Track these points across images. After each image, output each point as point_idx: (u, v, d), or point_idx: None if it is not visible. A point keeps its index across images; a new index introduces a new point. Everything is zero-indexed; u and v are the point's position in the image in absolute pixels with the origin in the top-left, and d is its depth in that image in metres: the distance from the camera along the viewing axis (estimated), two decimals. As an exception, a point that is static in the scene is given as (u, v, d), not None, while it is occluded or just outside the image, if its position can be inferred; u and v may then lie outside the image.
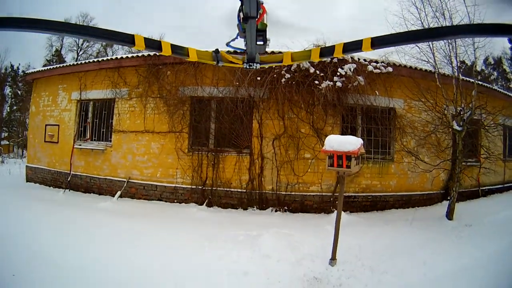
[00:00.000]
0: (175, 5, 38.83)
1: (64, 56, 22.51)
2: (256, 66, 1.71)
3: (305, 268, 3.58)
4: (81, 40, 22.42)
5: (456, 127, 5.29)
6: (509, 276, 3.24)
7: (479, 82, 6.02)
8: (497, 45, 26.58)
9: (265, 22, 1.42)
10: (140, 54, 6.42)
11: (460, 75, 5.50)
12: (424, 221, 5.49)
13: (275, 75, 5.72)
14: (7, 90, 23.45)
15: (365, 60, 5.84)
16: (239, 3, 1.30)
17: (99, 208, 5.80)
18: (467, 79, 6.11)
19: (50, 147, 8.07)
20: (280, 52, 2.67)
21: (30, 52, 27.37)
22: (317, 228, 4.77)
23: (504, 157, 8.65)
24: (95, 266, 3.33)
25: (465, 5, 5.32)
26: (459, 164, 5.55)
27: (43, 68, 8.95)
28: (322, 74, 5.49)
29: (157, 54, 5.57)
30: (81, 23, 22.27)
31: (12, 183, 8.89)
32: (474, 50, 5.58)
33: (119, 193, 6.44)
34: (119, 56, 6.68)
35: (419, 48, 5.72)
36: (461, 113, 5.41)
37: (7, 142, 22.85)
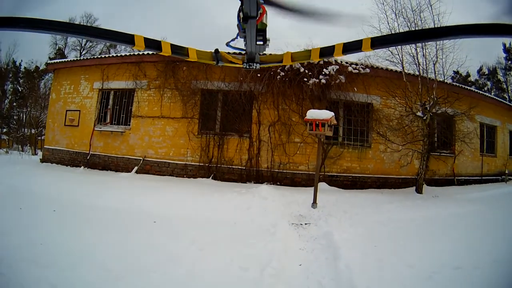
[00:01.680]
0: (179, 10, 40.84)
1: (66, 55, 24.05)
2: (256, 66, 1.81)
3: (293, 208, 5.03)
4: (84, 40, 24.02)
5: (419, 114, 6.84)
6: (465, 229, 4.27)
7: (442, 80, 7.53)
8: (492, 54, 28.38)
9: (265, 22, 1.47)
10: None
11: (422, 73, 7.04)
12: (395, 193, 6.93)
13: (271, 73, 7.26)
14: (9, 86, 24.74)
15: (346, 62, 7.41)
16: (239, 3, 1.36)
17: (120, 176, 7.20)
18: (429, 77, 7.62)
19: (70, 130, 9.42)
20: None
21: (33, 48, 28.85)
22: (303, 192, 6.21)
23: (481, 151, 10.04)
24: (129, 206, 4.69)
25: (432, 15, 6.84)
26: (424, 146, 7.06)
27: (65, 59, 10.43)
28: (310, 73, 7.06)
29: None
30: (83, 24, 23.84)
31: (30, 162, 10.22)
32: (438, 51, 7.05)
33: (136, 168, 7.83)
34: (140, 53, 8.17)
35: (390, 52, 7.29)
36: (425, 104, 6.95)
37: (7, 137, 23.99)
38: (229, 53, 1.87)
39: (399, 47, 7.07)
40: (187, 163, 7.63)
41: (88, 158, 8.73)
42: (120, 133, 8.36)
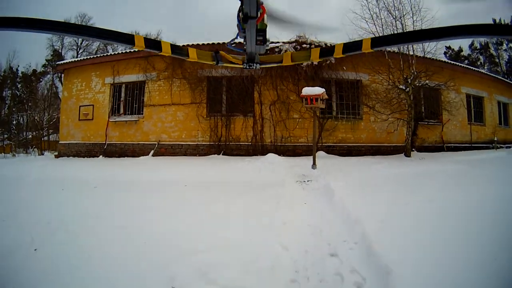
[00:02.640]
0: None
1: (63, 56, 24.81)
2: (256, 66, 1.85)
3: (296, 170, 6.11)
4: (80, 40, 24.77)
5: (401, 86, 7.90)
6: (443, 179, 5.23)
7: (422, 56, 8.56)
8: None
9: (265, 22, 1.50)
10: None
11: (402, 51, 8.08)
12: (386, 158, 8.01)
13: (270, 57, 8.26)
14: (8, 92, 25.50)
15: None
16: (239, 3, 1.41)
17: (140, 159, 8.24)
18: (410, 54, 8.59)
19: (84, 124, 10.40)
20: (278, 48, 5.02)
21: (29, 52, 29.49)
22: (304, 159, 7.29)
23: (469, 120, 11.07)
24: (159, 177, 5.72)
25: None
26: (409, 115, 8.13)
27: (75, 59, 11.35)
28: (304, 54, 8.07)
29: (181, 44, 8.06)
30: (83, 24, 24.56)
31: (45, 159, 11.18)
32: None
33: (152, 151, 8.88)
34: (148, 47, 9.12)
35: (374, 34, 8.31)
36: (407, 77, 8.00)
37: (9, 142, 24.83)
38: (228, 53, 1.96)
39: (381, 27, 8.10)
40: (198, 143, 8.69)
41: (105, 147, 9.74)
42: (134, 122, 9.37)
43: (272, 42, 8.06)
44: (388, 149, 9.02)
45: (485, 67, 27.75)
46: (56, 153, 11.63)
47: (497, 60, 28.39)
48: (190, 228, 2.74)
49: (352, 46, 1.88)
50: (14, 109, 27.26)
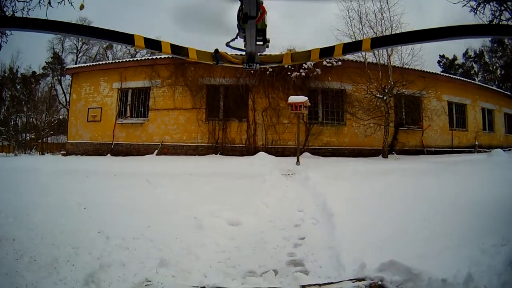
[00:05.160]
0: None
1: (63, 59, 26.30)
2: (255, 66, 1.94)
3: (282, 166, 7.56)
4: (80, 43, 26.30)
5: (378, 95, 9.38)
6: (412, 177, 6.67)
7: (397, 65, 10.02)
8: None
9: (265, 22, 1.57)
10: (170, 56, 10.40)
11: (380, 64, 9.58)
12: (365, 159, 9.44)
13: (262, 69, 9.74)
14: (7, 93, 26.88)
15: (321, 58, 9.93)
16: (239, 3, 1.46)
17: (146, 157, 9.67)
18: (391, 60, 10.01)
19: (93, 125, 11.78)
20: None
21: (30, 54, 30.91)
22: (290, 158, 8.71)
23: (451, 126, 12.40)
24: (166, 170, 7.17)
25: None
26: (386, 121, 9.58)
27: (83, 64, 12.86)
28: (292, 67, 9.58)
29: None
30: (83, 24, 26.06)
31: (52, 158, 12.56)
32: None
33: (156, 151, 10.30)
34: (154, 57, 10.61)
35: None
36: (385, 87, 9.46)
37: (9, 143, 26.11)
38: (228, 53, 2.02)
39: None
40: (197, 144, 10.13)
41: (112, 147, 11.14)
42: (139, 124, 10.81)
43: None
44: (370, 152, 10.43)
45: (479, 76, 29.10)
46: (64, 152, 13.02)
47: (491, 68, 29.57)
48: (199, 195, 4.19)
49: (352, 46, 1.98)
50: (11, 110, 28.58)
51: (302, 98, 7.51)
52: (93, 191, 4.49)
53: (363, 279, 1.86)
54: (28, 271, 2.16)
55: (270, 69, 9.70)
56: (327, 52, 1.93)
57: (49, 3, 3.48)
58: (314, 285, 1.89)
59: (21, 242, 2.58)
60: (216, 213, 3.29)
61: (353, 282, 1.85)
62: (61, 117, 26.92)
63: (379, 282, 1.79)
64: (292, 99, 7.50)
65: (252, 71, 9.75)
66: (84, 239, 2.72)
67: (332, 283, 1.89)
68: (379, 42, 2.16)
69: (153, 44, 1.81)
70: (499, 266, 1.61)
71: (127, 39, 1.76)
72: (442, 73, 14.22)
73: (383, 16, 9.77)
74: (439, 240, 2.31)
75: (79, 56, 26.39)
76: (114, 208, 3.56)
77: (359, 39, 9.69)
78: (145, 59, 10.88)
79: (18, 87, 28.41)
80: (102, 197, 4.07)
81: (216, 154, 9.85)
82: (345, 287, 1.80)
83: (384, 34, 9.43)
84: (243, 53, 1.95)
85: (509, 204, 2.90)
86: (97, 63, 12.67)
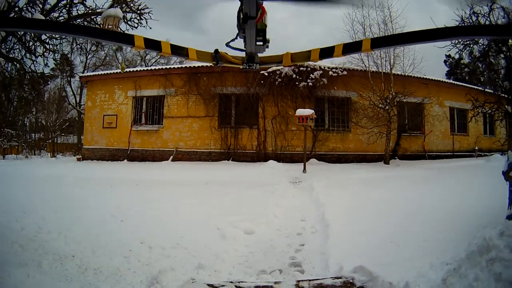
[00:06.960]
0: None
1: (72, 61, 27.11)
2: (255, 67, 2.00)
3: (290, 173, 8.35)
4: (89, 46, 27.07)
5: (380, 105, 10.10)
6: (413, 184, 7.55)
7: (399, 73, 10.72)
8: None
9: (265, 22, 1.62)
10: (183, 66, 11.16)
11: (383, 75, 10.29)
12: (368, 165, 10.20)
13: (271, 80, 10.49)
14: (15, 93, 27.72)
15: (328, 67, 10.66)
16: (239, 3, 1.50)
17: (162, 163, 10.49)
18: (392, 72, 10.69)
19: (108, 131, 12.60)
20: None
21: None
22: (298, 165, 9.49)
23: (452, 131, 13.15)
24: (185, 178, 7.98)
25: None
26: (387, 129, 10.32)
27: (98, 72, 13.65)
28: (300, 78, 10.33)
29: (196, 65, 10.35)
30: (84, 24, 26.81)
31: (68, 162, 13.38)
32: (395, 57, 10.35)
33: (171, 157, 11.12)
34: (168, 67, 11.36)
35: (362, 60, 10.51)
36: (387, 97, 10.19)
37: (17, 143, 26.99)
38: (228, 53, 2.04)
39: (366, 57, 10.29)
40: (210, 150, 10.93)
41: (128, 152, 11.96)
42: (155, 131, 11.61)
43: (272, 66, 10.28)
44: (373, 157, 11.19)
45: (485, 75, 29.48)
46: (79, 156, 13.86)
47: (496, 68, 29.91)
48: (220, 207, 4.98)
49: (352, 47, 2.00)
50: (19, 110, 29.45)
51: (308, 112, 8.27)
52: (123, 203, 5.07)
53: (340, 277, 2.61)
54: (99, 281, 2.51)
55: (279, 80, 10.45)
56: (327, 52, 1.98)
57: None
58: (305, 280, 2.65)
59: (80, 258, 2.87)
60: (235, 223, 4.07)
61: (332, 279, 2.61)
62: (69, 117, 27.79)
63: (351, 280, 2.52)
64: (300, 112, 8.27)
65: (262, 81, 10.50)
66: (130, 249, 3.13)
67: (317, 279, 2.67)
68: (379, 42, 2.24)
69: (153, 45, 1.86)
70: (437, 282, 1.97)
71: (127, 39, 1.82)
72: (444, 80, 14.84)
73: (386, 27, 10.45)
74: (408, 250, 2.97)
75: (88, 57, 27.18)
76: (148, 220, 4.18)
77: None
78: (159, 68, 11.65)
79: (26, 88, 29.21)
80: (134, 209, 4.65)
81: (228, 160, 10.65)
82: (326, 282, 2.57)
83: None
84: (243, 53, 2.01)
85: (476, 220, 3.33)
86: (112, 71, 13.48)
